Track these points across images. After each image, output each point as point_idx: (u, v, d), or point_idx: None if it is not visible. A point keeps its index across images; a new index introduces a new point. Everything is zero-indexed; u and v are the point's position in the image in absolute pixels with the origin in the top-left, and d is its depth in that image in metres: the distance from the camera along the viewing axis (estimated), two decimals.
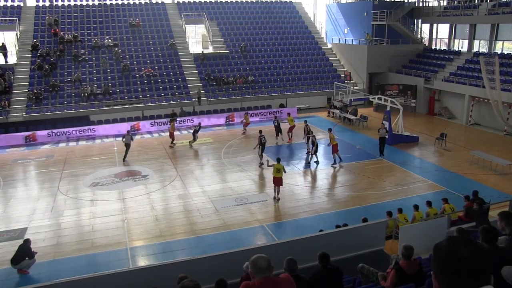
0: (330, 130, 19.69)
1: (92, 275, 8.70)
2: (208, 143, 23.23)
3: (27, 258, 10.96)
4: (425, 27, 34.38)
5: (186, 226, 13.50)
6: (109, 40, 31.49)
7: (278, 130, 22.71)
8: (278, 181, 15.14)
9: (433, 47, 33.45)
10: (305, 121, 21.65)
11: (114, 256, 11.82)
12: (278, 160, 15.50)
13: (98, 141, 24.40)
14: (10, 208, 15.27)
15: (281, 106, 29.82)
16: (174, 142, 22.79)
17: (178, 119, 26.62)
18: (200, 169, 19.17)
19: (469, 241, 1.76)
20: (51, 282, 8.45)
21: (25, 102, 26.05)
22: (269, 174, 18.36)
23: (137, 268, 9.89)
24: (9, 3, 32.73)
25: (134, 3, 36.24)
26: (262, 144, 18.90)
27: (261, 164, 18.84)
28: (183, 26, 34.99)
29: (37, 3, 33.76)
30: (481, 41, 29.92)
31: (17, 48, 29.89)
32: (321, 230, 11.18)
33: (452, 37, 32.34)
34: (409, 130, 23.59)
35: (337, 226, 11.50)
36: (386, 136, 20.25)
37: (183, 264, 8.80)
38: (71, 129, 24.73)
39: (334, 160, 18.92)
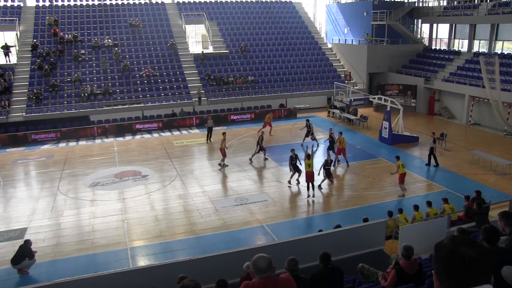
0: (341, 133, 19.50)
1: (92, 275, 8.69)
2: (208, 143, 23.22)
3: (27, 259, 10.96)
4: (425, 27, 34.37)
5: (186, 226, 13.50)
6: (109, 40, 31.49)
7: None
8: (402, 178, 15.33)
9: (433, 47, 33.45)
10: (307, 120, 22.19)
11: (114, 256, 11.82)
12: (398, 158, 15.67)
13: (98, 141, 24.40)
14: (10, 208, 15.27)
15: (281, 106, 29.84)
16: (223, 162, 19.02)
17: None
18: (200, 169, 19.17)
19: (471, 241, 1.76)
20: (51, 282, 8.45)
21: (25, 102, 26.06)
22: (269, 174, 18.41)
23: (137, 268, 9.88)
24: (9, 3, 32.74)
25: (134, 3, 36.24)
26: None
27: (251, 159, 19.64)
28: (183, 26, 34.99)
29: (37, 3, 33.76)
30: (481, 41, 29.91)
31: (17, 48, 29.89)
32: (320, 230, 11.17)
33: (452, 37, 32.34)
34: (409, 130, 23.59)
35: (336, 227, 11.47)
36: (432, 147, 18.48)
37: (183, 264, 8.79)
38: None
39: (346, 161, 19.01)
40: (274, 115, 28.30)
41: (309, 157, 15.66)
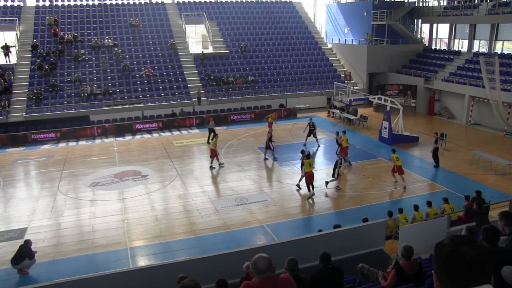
0: (344, 132, 19.42)
1: (92, 275, 8.69)
2: (210, 143, 23.16)
3: (27, 259, 10.96)
4: (425, 27, 34.38)
5: (186, 226, 13.50)
6: (109, 40, 31.49)
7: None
8: (400, 170, 16.22)
9: (433, 47, 33.45)
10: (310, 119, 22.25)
11: (114, 256, 11.82)
12: (394, 151, 16.42)
13: (98, 141, 24.41)
14: (10, 208, 15.26)
15: (281, 106, 29.84)
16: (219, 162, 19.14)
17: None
18: (200, 169, 19.16)
19: (471, 241, 1.77)
20: (51, 282, 8.45)
21: (25, 102, 26.06)
22: (269, 174, 18.40)
23: (137, 268, 9.88)
24: (9, 3, 32.74)
25: (134, 3, 36.25)
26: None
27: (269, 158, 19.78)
28: (183, 26, 35.00)
29: (37, 3, 33.77)
30: (481, 41, 29.92)
31: (17, 48, 29.89)
32: (320, 230, 11.16)
33: (452, 37, 32.34)
34: (409, 130, 23.60)
35: (336, 226, 11.45)
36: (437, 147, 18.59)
37: (183, 264, 8.79)
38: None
39: (347, 161, 18.90)
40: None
41: (309, 156, 15.63)
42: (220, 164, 18.95)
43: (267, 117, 23.77)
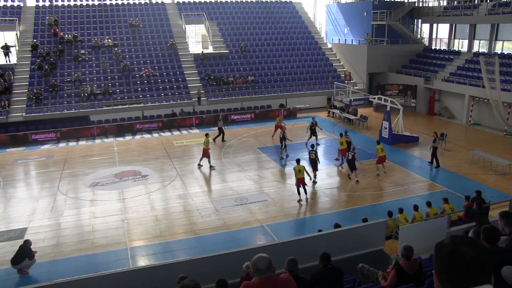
0: (341, 135, 19.56)
1: (92, 275, 8.69)
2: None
3: (27, 259, 10.96)
4: (425, 27, 34.38)
5: (186, 226, 13.50)
6: (109, 40, 31.49)
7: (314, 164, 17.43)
8: (379, 160, 17.26)
9: (433, 47, 33.45)
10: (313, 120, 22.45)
11: (114, 256, 11.82)
12: (378, 142, 17.53)
13: (98, 141, 24.41)
14: (10, 208, 15.26)
15: (281, 106, 29.83)
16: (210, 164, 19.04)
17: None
18: (200, 169, 19.15)
19: (471, 241, 1.77)
20: (51, 282, 8.45)
21: (25, 102, 26.06)
22: (269, 174, 18.39)
23: (137, 268, 9.89)
24: (9, 3, 32.74)
25: (134, 3, 36.26)
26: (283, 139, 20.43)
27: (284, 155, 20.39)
28: (183, 26, 35.00)
29: (37, 3, 33.77)
30: (481, 41, 29.92)
31: (17, 48, 29.89)
32: (320, 230, 11.16)
33: (452, 37, 32.34)
34: (409, 130, 23.60)
35: (336, 225, 11.44)
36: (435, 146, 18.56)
37: (183, 264, 8.79)
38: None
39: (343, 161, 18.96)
40: (274, 114, 28.02)
41: (298, 162, 15.45)
42: (199, 164, 19.02)
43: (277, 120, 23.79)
